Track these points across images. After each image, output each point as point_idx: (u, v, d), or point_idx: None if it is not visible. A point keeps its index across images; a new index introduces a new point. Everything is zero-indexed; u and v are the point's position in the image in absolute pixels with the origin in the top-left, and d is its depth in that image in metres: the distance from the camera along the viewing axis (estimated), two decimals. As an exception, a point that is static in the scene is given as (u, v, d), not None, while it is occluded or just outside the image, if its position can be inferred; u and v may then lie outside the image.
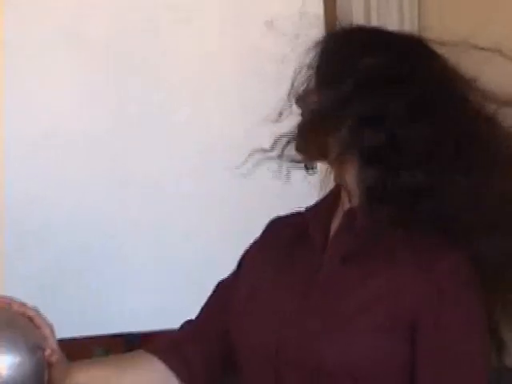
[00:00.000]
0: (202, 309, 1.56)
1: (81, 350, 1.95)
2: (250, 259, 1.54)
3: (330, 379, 1.31)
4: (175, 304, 2.50)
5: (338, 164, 1.35)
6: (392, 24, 2.49)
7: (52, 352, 1.40)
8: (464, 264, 1.28)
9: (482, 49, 1.35)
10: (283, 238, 1.48)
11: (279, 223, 1.53)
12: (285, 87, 1.41)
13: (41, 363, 1.38)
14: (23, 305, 1.42)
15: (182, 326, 1.57)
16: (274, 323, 1.38)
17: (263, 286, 1.44)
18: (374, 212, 1.28)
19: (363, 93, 1.27)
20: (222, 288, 1.55)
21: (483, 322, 1.31)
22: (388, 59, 1.29)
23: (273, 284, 1.44)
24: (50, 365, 1.39)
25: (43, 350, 1.38)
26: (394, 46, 1.32)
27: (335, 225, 1.38)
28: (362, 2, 2.51)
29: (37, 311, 1.42)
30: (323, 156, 1.37)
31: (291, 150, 1.37)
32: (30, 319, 1.41)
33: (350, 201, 1.34)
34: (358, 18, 2.49)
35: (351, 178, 1.33)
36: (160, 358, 1.50)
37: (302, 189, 1.64)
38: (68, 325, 2.13)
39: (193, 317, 1.59)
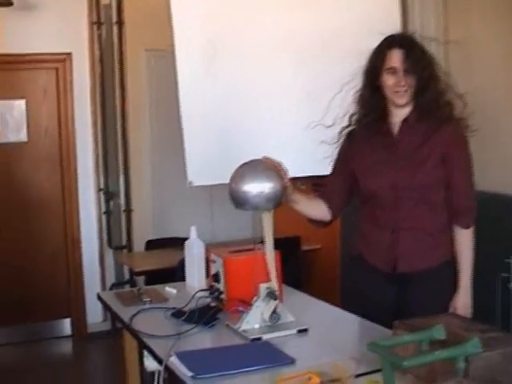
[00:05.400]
0: (334, 166, 3.04)
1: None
2: (352, 144, 2.99)
3: (419, 189, 2.84)
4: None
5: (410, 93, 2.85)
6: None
7: (287, 182, 2.75)
8: (457, 126, 2.86)
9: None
10: (365, 132, 2.93)
11: (357, 131, 2.97)
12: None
13: (282, 186, 2.66)
14: (274, 160, 2.75)
15: (332, 172, 3.04)
16: (388, 173, 2.85)
17: (370, 157, 2.91)
18: (420, 110, 2.85)
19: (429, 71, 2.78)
20: (342, 156, 3.02)
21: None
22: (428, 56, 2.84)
23: (377, 155, 2.91)
24: (285, 188, 2.74)
25: (283, 180, 2.72)
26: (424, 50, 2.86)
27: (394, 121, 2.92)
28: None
29: (279, 162, 2.76)
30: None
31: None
32: (277, 166, 2.75)
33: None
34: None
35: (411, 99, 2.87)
36: (322, 199, 3.03)
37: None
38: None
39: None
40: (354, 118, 3.02)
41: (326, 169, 3.21)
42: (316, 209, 3.08)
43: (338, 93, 3.12)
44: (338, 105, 3.19)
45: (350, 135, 3.06)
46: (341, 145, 3.09)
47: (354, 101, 3.02)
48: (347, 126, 3.05)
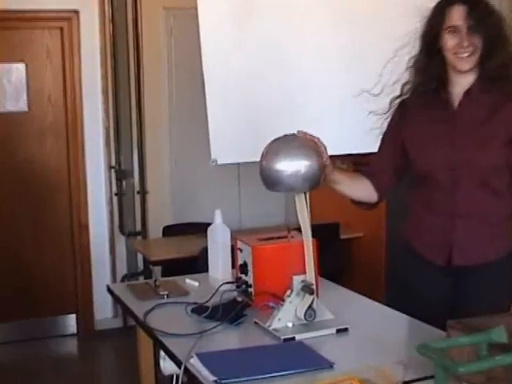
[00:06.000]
0: (383, 140, 3.04)
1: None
2: (405, 115, 2.97)
3: (479, 171, 2.81)
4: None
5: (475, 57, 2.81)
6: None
7: (326, 159, 2.76)
8: None
9: None
10: (419, 102, 2.90)
11: (410, 100, 2.95)
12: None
13: (320, 164, 2.67)
14: (310, 134, 2.76)
15: (380, 146, 3.04)
16: (445, 151, 2.85)
17: (425, 132, 2.90)
18: (486, 79, 2.82)
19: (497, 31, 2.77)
20: (392, 129, 3.00)
21: None
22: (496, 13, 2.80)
23: (433, 129, 2.90)
24: (324, 166, 2.74)
25: (322, 158, 2.72)
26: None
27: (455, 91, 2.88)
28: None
29: (318, 138, 2.77)
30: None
31: None
32: (315, 143, 2.75)
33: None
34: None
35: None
36: (367, 178, 3.03)
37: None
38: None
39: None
40: (408, 87, 3.01)
41: (371, 145, 3.20)
42: (360, 189, 3.09)
43: (391, 58, 3.11)
44: (389, 71, 3.17)
45: (402, 105, 3.04)
46: (391, 116, 3.08)
47: (407, 67, 3.00)
48: (399, 96, 3.04)
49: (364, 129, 3.38)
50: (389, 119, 3.09)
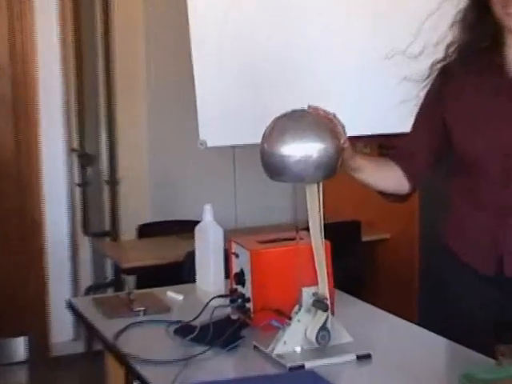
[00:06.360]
0: (419, 114, 3.04)
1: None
2: (448, 84, 2.96)
3: None
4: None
5: None
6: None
7: (344, 141, 2.76)
8: None
9: None
10: (466, 67, 2.89)
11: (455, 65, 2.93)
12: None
13: (337, 148, 2.67)
14: (324, 110, 2.75)
15: (413, 126, 3.04)
16: (498, 130, 2.86)
17: (472, 105, 2.90)
18: None
19: None
20: (430, 100, 3.01)
21: None
22: None
23: (483, 103, 2.91)
24: (341, 150, 2.73)
25: (339, 139, 2.72)
26: None
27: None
28: None
29: (334, 114, 2.76)
30: None
31: None
32: (330, 120, 2.74)
33: None
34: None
35: None
36: (395, 162, 3.03)
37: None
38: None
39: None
40: (453, 48, 3.00)
41: (401, 124, 3.21)
42: (388, 176, 3.09)
43: (433, 12, 3.10)
44: (430, 27, 3.17)
45: (445, 70, 3.04)
46: (430, 84, 3.08)
47: (453, 23, 3.00)
48: (442, 60, 3.03)
49: (393, 102, 3.38)
50: (428, 88, 3.08)
